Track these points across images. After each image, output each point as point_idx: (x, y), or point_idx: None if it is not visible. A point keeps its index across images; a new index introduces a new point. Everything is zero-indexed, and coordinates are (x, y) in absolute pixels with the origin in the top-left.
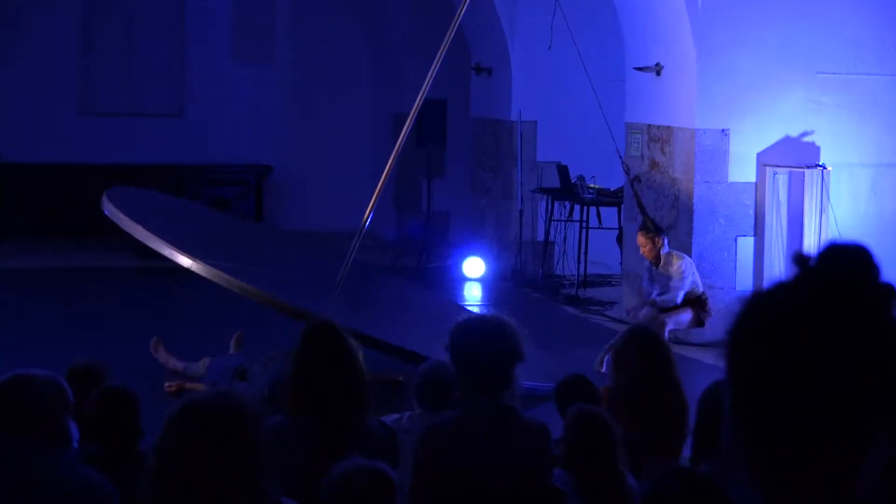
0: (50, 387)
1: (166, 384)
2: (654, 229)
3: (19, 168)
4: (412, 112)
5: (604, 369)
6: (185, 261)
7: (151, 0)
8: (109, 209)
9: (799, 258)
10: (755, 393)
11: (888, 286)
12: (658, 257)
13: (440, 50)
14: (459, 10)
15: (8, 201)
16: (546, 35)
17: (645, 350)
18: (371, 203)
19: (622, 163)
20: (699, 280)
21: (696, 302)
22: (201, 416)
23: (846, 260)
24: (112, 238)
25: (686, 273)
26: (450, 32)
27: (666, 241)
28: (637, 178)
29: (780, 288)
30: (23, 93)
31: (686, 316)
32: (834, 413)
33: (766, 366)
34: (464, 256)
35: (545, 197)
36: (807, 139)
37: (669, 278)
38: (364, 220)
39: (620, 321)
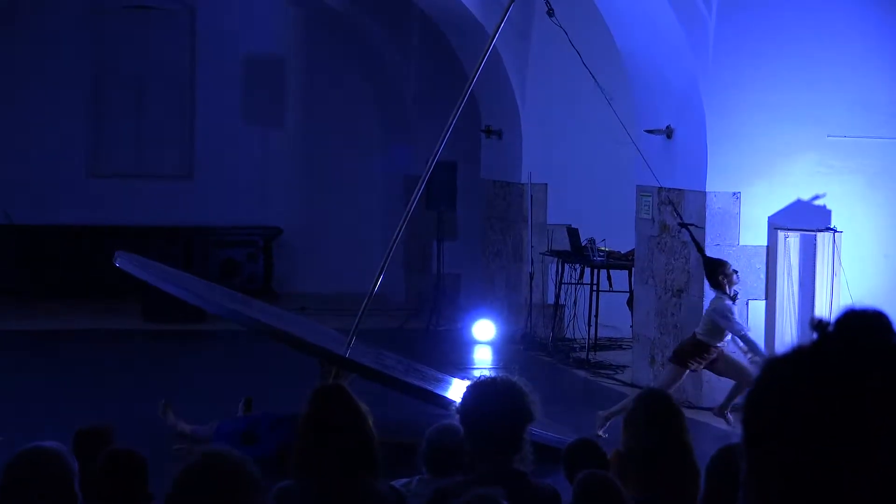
0: (58, 460)
1: (175, 447)
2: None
3: (28, 229)
4: (423, 176)
5: (601, 432)
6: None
7: (161, 62)
8: (122, 261)
9: (817, 323)
10: (772, 457)
11: None
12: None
13: (452, 114)
14: (473, 76)
15: (16, 262)
16: (556, 99)
17: (656, 414)
18: (381, 267)
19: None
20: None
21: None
22: (199, 478)
23: (864, 325)
24: (119, 300)
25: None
26: (463, 97)
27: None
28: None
29: (797, 353)
30: (33, 154)
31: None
32: (852, 478)
33: (783, 430)
34: (474, 319)
35: (555, 259)
36: (818, 202)
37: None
38: (374, 283)
39: (631, 385)
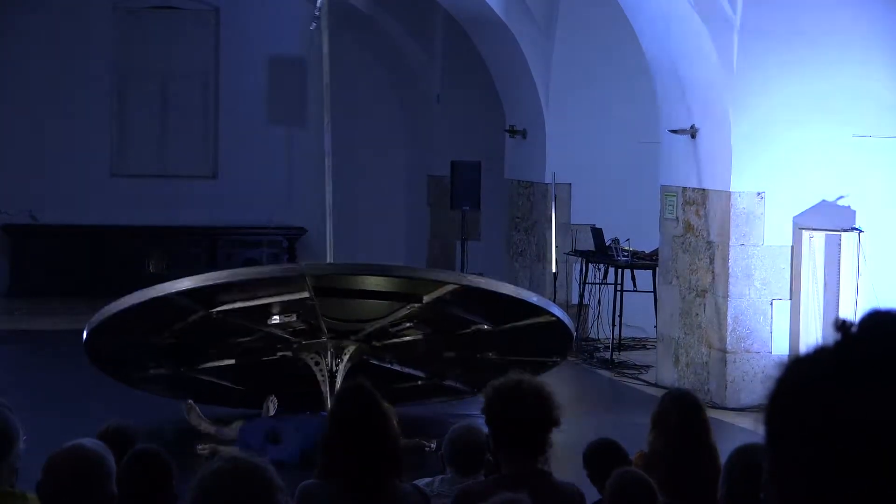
0: (98, 459)
1: (199, 447)
2: None
3: (52, 229)
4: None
5: None
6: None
7: (186, 62)
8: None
9: (841, 324)
10: (794, 458)
11: None
12: None
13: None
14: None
15: (40, 262)
16: (581, 98)
17: (682, 416)
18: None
19: None
20: None
21: None
22: (218, 486)
23: (888, 326)
24: None
25: None
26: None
27: None
28: None
29: (820, 352)
30: (57, 154)
31: None
32: (875, 480)
33: (806, 430)
34: None
35: (579, 259)
36: (842, 202)
37: None
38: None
39: (655, 385)
